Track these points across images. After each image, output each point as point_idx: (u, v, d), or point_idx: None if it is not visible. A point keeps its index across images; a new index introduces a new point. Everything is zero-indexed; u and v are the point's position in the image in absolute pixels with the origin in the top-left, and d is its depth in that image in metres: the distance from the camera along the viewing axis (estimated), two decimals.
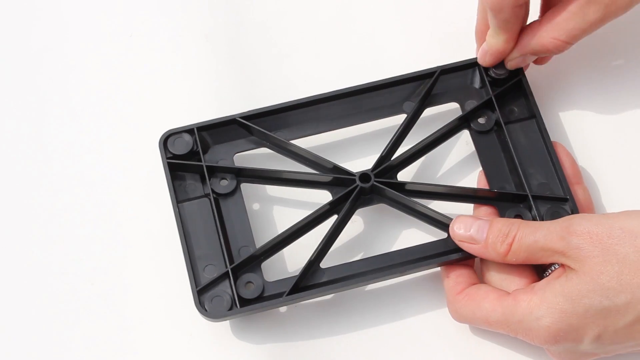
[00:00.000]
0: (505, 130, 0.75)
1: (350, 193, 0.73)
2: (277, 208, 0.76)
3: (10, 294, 0.74)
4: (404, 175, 0.76)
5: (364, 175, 0.74)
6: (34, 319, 0.74)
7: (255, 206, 0.76)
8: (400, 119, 0.77)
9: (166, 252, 0.75)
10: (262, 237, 0.75)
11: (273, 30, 0.82)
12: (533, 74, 0.78)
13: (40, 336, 0.73)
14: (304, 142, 0.77)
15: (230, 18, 0.82)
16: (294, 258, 0.74)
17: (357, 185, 0.73)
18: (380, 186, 0.74)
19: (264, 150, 0.77)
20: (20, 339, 0.73)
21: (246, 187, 0.76)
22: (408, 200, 0.73)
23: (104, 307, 0.74)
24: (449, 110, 0.78)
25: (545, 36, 0.72)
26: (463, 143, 0.78)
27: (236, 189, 0.75)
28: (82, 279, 0.74)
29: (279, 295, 0.71)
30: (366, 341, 0.73)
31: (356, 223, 0.76)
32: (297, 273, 0.72)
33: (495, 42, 0.74)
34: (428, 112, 0.78)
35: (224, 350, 0.73)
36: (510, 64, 0.76)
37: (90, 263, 0.75)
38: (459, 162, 0.78)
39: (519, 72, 0.77)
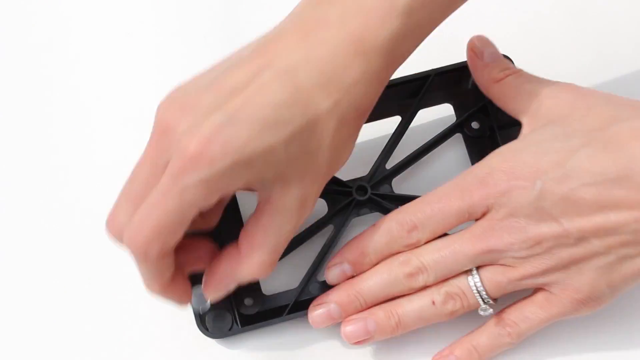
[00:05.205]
0: (498, 137, 0.76)
1: (348, 206, 0.74)
2: None
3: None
4: (396, 179, 0.76)
5: (361, 187, 0.74)
6: (33, 319, 0.74)
7: (249, 210, 0.76)
8: (392, 120, 0.77)
9: None
10: None
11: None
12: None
13: (37, 335, 0.74)
14: None
15: (229, 18, 0.80)
16: (286, 265, 0.75)
17: (354, 198, 0.74)
18: (377, 199, 0.74)
19: None
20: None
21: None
22: None
23: (100, 312, 0.75)
24: (442, 109, 0.78)
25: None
26: (456, 144, 0.78)
27: (232, 196, 0.75)
28: (80, 282, 0.75)
29: (279, 309, 0.73)
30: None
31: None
32: (293, 284, 0.73)
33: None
34: (420, 112, 0.77)
35: (220, 348, 0.74)
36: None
37: (87, 265, 0.75)
38: (451, 162, 0.78)
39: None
